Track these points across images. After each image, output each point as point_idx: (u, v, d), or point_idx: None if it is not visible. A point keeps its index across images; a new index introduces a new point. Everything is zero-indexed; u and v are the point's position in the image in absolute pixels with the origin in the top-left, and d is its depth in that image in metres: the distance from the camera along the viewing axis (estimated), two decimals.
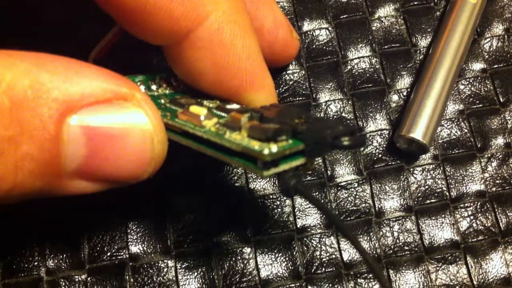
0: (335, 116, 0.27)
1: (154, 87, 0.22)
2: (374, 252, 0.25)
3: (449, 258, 0.25)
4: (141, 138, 0.17)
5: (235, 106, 0.20)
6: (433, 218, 0.26)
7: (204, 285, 0.24)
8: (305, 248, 0.25)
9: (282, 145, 0.17)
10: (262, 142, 0.17)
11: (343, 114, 0.27)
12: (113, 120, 0.17)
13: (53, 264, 0.24)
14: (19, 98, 0.15)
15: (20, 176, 0.15)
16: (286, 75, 0.28)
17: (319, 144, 0.17)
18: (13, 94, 0.15)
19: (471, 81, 0.28)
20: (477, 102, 0.28)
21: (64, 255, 0.25)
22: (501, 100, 0.28)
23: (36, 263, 0.24)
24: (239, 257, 0.25)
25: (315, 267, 0.25)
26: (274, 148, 0.17)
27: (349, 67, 0.28)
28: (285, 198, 0.26)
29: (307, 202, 0.26)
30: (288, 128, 0.17)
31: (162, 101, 0.21)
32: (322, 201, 0.26)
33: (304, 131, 0.18)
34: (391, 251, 0.25)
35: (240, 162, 0.17)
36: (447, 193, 0.26)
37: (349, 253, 0.25)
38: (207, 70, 0.20)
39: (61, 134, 0.16)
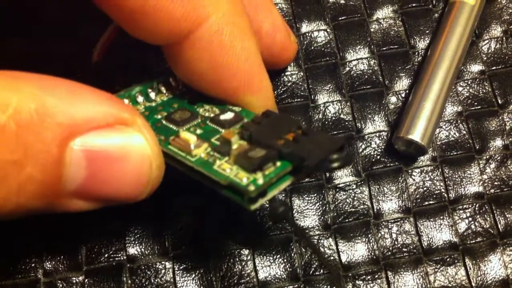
0: (333, 118, 0.27)
1: (152, 94, 0.23)
2: (373, 254, 0.25)
3: (448, 259, 0.25)
4: (140, 162, 0.18)
5: (229, 115, 0.21)
6: (432, 219, 0.26)
7: (202, 287, 0.24)
8: (303, 250, 0.25)
9: (269, 173, 0.18)
10: (249, 172, 0.18)
11: (341, 116, 0.27)
12: (113, 144, 0.17)
13: (50, 266, 0.24)
14: (25, 122, 0.15)
15: (22, 197, 0.16)
16: (285, 77, 0.28)
17: (305, 167, 0.18)
18: (20, 118, 0.15)
19: (469, 83, 0.28)
20: (476, 104, 0.28)
21: (62, 257, 0.24)
22: (500, 102, 0.28)
23: (33, 265, 0.24)
24: (237, 259, 0.25)
25: (313, 268, 0.25)
26: (260, 180, 0.18)
27: (347, 68, 0.28)
28: (282, 199, 0.25)
29: (305, 204, 0.26)
30: (274, 154, 0.18)
31: (159, 116, 0.21)
32: (320, 202, 0.26)
33: (289, 153, 0.18)
34: (389, 253, 0.25)
35: (229, 195, 0.18)
36: (445, 195, 0.26)
37: (347, 255, 0.25)
38: (206, 71, 0.20)
39: (63, 157, 0.16)
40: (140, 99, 0.22)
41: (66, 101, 0.16)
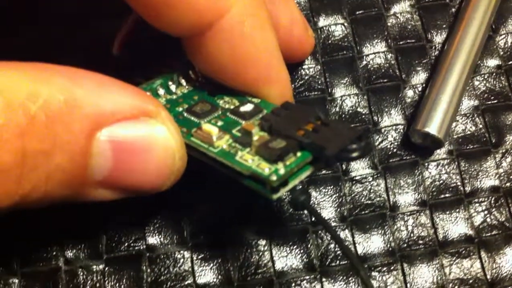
0: (350, 111, 0.27)
1: (173, 87, 0.23)
2: (388, 245, 0.25)
3: (463, 252, 0.25)
4: (164, 154, 0.18)
5: (249, 107, 0.21)
6: (448, 212, 0.26)
7: (219, 276, 0.25)
8: (320, 241, 0.25)
9: (290, 163, 0.18)
10: (270, 163, 0.18)
11: (358, 109, 0.27)
12: (138, 135, 0.17)
13: (71, 254, 0.25)
14: (55, 113, 0.15)
15: (50, 186, 0.16)
16: (302, 70, 0.28)
17: (324, 157, 0.18)
18: (49, 110, 0.15)
19: (486, 77, 0.28)
20: (492, 98, 0.28)
21: (82, 245, 0.25)
22: None
23: (54, 253, 0.25)
24: (254, 249, 0.25)
25: (329, 259, 0.25)
26: (281, 170, 0.18)
27: (364, 62, 0.28)
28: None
29: (322, 195, 0.26)
30: (294, 145, 0.19)
31: (180, 109, 0.22)
32: (337, 194, 0.26)
33: (309, 144, 0.19)
34: (405, 245, 0.25)
35: (251, 185, 0.19)
36: (461, 188, 0.26)
37: (363, 246, 0.25)
38: (226, 62, 0.20)
39: (90, 148, 0.16)
40: (161, 91, 0.23)
41: (94, 93, 0.16)
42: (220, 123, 0.21)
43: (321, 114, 0.20)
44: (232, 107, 0.22)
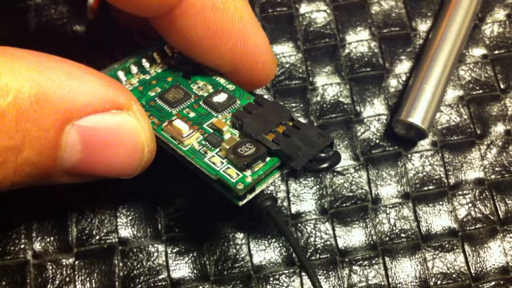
0: (331, 101, 0.26)
1: (147, 65, 0.22)
2: (370, 239, 0.24)
3: (447, 246, 0.24)
4: (133, 147, 0.18)
5: (222, 97, 0.21)
6: (431, 205, 0.25)
7: (195, 271, 0.24)
8: (300, 234, 0.24)
9: (257, 170, 0.19)
10: (238, 169, 0.18)
11: (340, 99, 0.27)
12: (109, 128, 0.17)
13: (40, 247, 0.24)
14: (25, 109, 0.15)
15: (18, 178, 0.16)
16: (283, 58, 0.27)
17: (292, 168, 0.19)
18: (19, 105, 0.15)
19: (471, 66, 0.27)
20: (477, 88, 0.27)
21: (51, 238, 0.24)
22: (502, 86, 0.27)
23: (22, 246, 0.24)
24: (231, 243, 0.24)
25: (309, 253, 0.24)
26: (248, 178, 0.18)
27: (347, 50, 0.27)
28: (279, 183, 0.25)
29: (302, 187, 0.25)
30: (263, 152, 0.19)
31: (153, 93, 0.21)
32: (318, 186, 0.25)
33: (278, 151, 0.19)
34: (387, 238, 0.24)
35: (218, 188, 0.19)
36: (445, 180, 0.25)
37: (344, 239, 0.24)
38: (201, 36, 0.20)
39: (60, 141, 0.16)
40: (134, 70, 0.22)
41: (64, 85, 0.16)
42: (192, 114, 0.21)
43: (293, 115, 0.20)
44: (205, 94, 0.21)
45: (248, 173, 0.18)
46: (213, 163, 0.19)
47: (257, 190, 0.19)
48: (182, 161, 0.20)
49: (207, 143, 0.19)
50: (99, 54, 0.23)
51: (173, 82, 0.22)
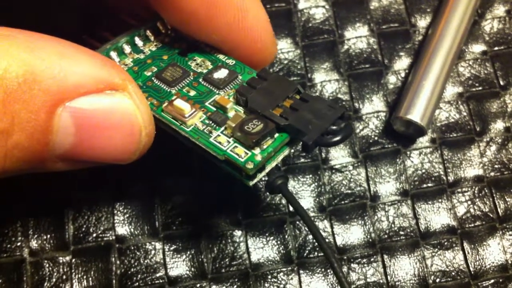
0: (330, 98, 0.26)
1: (140, 43, 0.21)
2: (369, 236, 0.24)
3: (446, 243, 0.24)
4: (130, 130, 0.17)
5: (223, 73, 0.20)
6: (430, 202, 0.25)
7: (192, 268, 0.24)
8: (298, 232, 0.24)
9: (267, 147, 0.18)
10: (246, 148, 0.17)
11: (339, 95, 0.26)
12: (103, 110, 0.16)
13: (36, 245, 0.24)
14: (13, 90, 0.15)
15: (8, 163, 0.15)
16: (281, 54, 0.27)
17: (303, 143, 0.18)
18: (7, 86, 0.14)
19: (470, 63, 0.27)
20: (477, 84, 0.27)
21: (48, 236, 0.24)
22: (501, 83, 0.27)
23: (19, 244, 0.24)
24: (229, 240, 0.24)
25: (307, 251, 0.24)
26: (258, 156, 0.17)
27: (345, 47, 0.27)
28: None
29: (300, 185, 0.25)
30: (271, 128, 0.18)
31: (149, 73, 0.20)
32: (316, 184, 0.25)
33: (287, 126, 0.18)
34: (386, 236, 0.24)
35: (226, 169, 0.18)
36: (444, 178, 0.25)
37: (342, 237, 0.24)
38: (197, 8, 0.19)
39: (51, 124, 0.16)
40: (127, 50, 0.21)
41: (55, 65, 0.15)
42: (192, 92, 0.20)
43: (300, 88, 0.19)
44: (205, 71, 0.20)
45: (257, 151, 0.17)
46: (219, 142, 0.18)
47: (267, 169, 0.18)
48: (186, 143, 0.19)
49: (211, 122, 0.18)
50: (87, 36, 0.21)
51: (169, 60, 0.21)
